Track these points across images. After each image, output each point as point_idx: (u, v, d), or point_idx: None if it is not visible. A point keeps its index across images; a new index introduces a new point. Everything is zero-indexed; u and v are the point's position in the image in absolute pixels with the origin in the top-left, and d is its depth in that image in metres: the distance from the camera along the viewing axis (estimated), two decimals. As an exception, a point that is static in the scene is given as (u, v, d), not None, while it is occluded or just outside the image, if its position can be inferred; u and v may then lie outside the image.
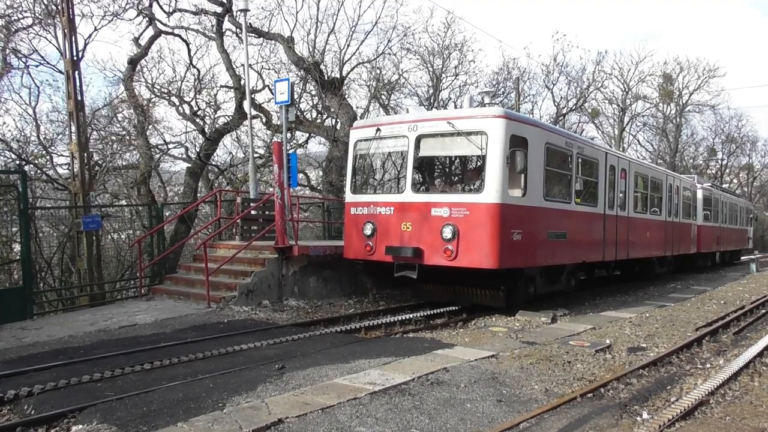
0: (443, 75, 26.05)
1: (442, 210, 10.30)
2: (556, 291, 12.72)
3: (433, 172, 12.65)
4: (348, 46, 22.02)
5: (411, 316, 10.94)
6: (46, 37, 18.28)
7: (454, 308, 11.61)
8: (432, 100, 25.82)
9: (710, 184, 26.52)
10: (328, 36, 21.75)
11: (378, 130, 11.36)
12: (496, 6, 70.46)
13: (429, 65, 25.64)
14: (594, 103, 39.11)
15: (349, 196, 11.96)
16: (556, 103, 34.45)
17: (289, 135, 14.98)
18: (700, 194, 22.88)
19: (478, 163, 10.99)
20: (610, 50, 77.14)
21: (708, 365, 7.54)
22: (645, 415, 5.49)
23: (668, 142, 45.73)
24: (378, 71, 23.80)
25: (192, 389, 6.12)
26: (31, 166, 18.29)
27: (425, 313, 11.16)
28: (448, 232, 10.07)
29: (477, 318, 10.86)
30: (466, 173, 12.39)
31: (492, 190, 9.95)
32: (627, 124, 43.38)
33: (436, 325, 10.45)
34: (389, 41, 23.59)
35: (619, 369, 7.05)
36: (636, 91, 42.20)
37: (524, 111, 29.44)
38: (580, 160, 12.54)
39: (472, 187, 10.93)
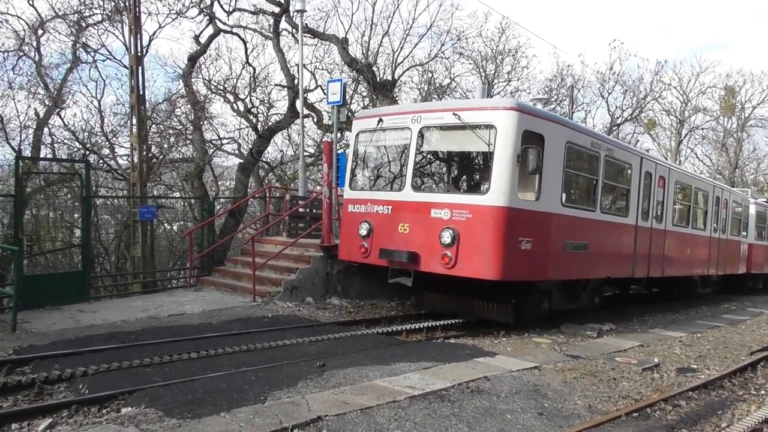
0: (495, 80, 25.80)
1: (442, 212, 9.30)
2: (577, 308, 11.52)
3: (436, 169, 11.60)
4: (401, 48, 22.12)
5: (453, 321, 10.87)
6: (113, 33, 19.16)
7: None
8: (483, 105, 25.56)
9: (766, 200, 24.92)
10: (382, 38, 21.92)
11: (380, 120, 10.37)
12: (551, 11, 69.23)
13: (481, 70, 25.46)
14: (651, 113, 37.92)
15: (347, 193, 11.03)
16: (610, 113, 33.60)
17: (339, 135, 15.12)
18: (752, 210, 21.30)
19: (485, 161, 9.91)
20: (670, 60, 74.51)
21: (762, 391, 7.23)
22: (692, 440, 5.32)
23: (728, 156, 43.93)
24: (430, 74, 23.79)
25: (235, 380, 6.26)
26: (94, 155, 19.12)
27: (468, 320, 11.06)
28: (447, 237, 9.05)
29: (520, 328, 10.70)
30: (471, 171, 11.42)
31: (498, 192, 8.85)
32: (685, 137, 41.89)
33: (478, 333, 10.35)
34: (442, 45, 23.52)
35: (667, 389, 6.84)
36: (696, 103, 40.72)
37: (578, 119, 28.84)
38: (609, 164, 11.28)
39: (476, 188, 10.07)
